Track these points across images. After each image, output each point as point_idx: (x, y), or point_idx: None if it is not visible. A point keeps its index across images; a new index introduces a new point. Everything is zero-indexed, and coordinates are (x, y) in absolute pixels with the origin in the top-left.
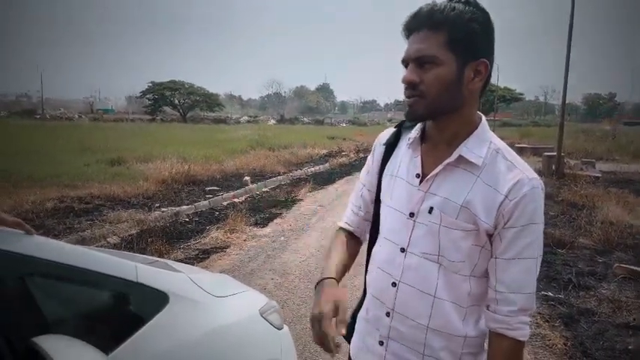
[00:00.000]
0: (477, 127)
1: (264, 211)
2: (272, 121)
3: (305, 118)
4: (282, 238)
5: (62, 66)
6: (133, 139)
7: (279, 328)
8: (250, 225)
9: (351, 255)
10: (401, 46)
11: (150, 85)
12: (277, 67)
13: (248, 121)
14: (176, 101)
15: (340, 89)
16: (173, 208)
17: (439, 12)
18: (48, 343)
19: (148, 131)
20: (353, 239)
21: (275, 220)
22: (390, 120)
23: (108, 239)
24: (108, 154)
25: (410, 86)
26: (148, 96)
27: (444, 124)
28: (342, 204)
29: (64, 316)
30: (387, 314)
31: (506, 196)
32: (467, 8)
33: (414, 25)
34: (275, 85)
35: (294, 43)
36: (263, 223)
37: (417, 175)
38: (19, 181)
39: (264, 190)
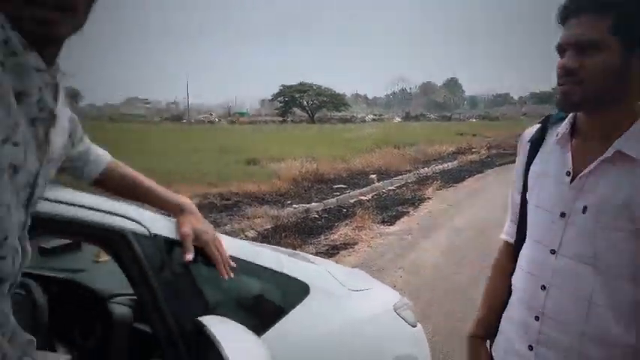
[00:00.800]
0: (637, 119)
1: (391, 208)
2: (397, 119)
3: (431, 115)
4: (410, 236)
5: (205, 74)
6: (266, 140)
7: (413, 326)
8: (377, 222)
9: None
10: (537, 34)
11: (281, 88)
12: (403, 65)
13: (373, 120)
14: (305, 103)
15: (469, 83)
16: (304, 205)
17: None
18: (210, 321)
19: (279, 132)
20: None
21: (402, 219)
22: (524, 114)
23: (246, 233)
24: (244, 155)
25: (566, 73)
26: (279, 99)
27: (602, 116)
28: (473, 203)
29: (221, 300)
30: (536, 318)
31: None
32: None
33: (575, 7)
34: (400, 83)
35: (418, 38)
36: (390, 221)
37: (568, 173)
38: (169, 179)
39: (390, 188)
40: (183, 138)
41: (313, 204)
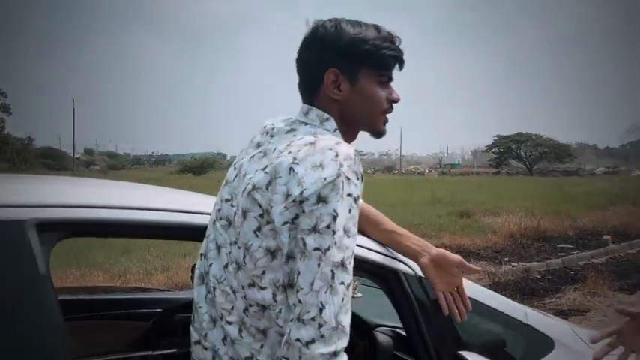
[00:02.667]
0: None
1: (630, 275)
2: (637, 172)
3: None
4: None
5: (418, 125)
6: (478, 193)
7: None
8: (614, 290)
9: None
10: None
11: (495, 138)
12: None
13: (605, 173)
14: (522, 154)
15: None
16: (523, 263)
17: None
18: (469, 356)
19: (493, 184)
20: None
21: None
22: None
23: None
24: (457, 207)
25: None
26: (493, 150)
27: None
28: None
29: (471, 341)
30: None
31: None
32: None
33: None
34: (638, 131)
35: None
36: (630, 288)
37: None
38: None
39: (629, 251)
40: (395, 188)
41: (534, 263)
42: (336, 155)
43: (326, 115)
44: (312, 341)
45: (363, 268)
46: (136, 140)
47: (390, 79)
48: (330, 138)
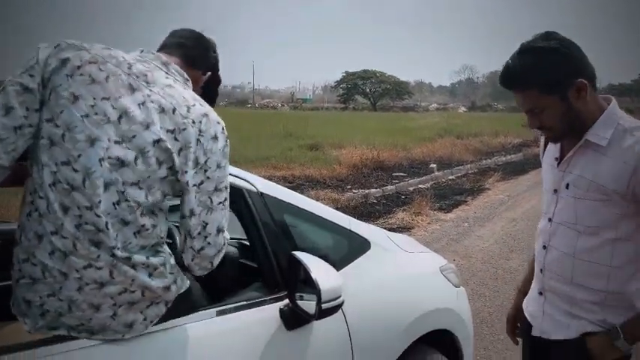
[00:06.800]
0: (600, 113)
1: (449, 197)
2: (462, 109)
3: (499, 105)
4: (466, 224)
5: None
6: (327, 127)
7: (456, 287)
8: (435, 210)
9: None
10: (616, 27)
11: (343, 74)
12: (470, 52)
13: (437, 109)
14: (367, 90)
15: None
16: (363, 190)
17: (522, 76)
18: (301, 255)
19: (341, 119)
20: None
21: (460, 207)
22: None
23: None
24: (307, 140)
25: (538, 128)
26: (342, 85)
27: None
28: (532, 196)
29: (304, 246)
30: (541, 271)
31: (636, 167)
32: (541, 57)
33: (507, 87)
34: (467, 71)
35: (486, 26)
36: (447, 208)
37: (556, 159)
38: (236, 160)
39: (450, 177)
40: (248, 122)
41: (372, 190)
42: None
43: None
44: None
45: None
46: None
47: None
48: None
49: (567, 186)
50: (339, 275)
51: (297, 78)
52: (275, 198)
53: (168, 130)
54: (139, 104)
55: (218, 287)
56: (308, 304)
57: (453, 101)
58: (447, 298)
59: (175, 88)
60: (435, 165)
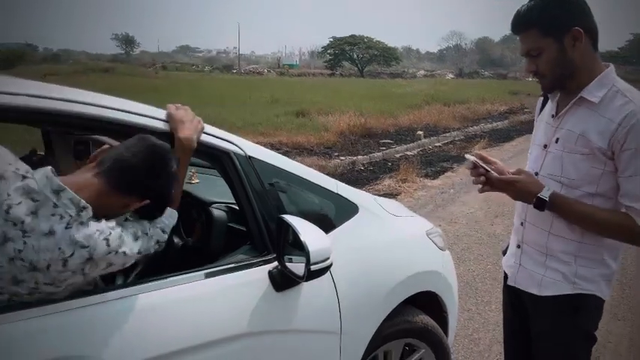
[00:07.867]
0: (599, 74)
1: (435, 164)
2: (450, 76)
3: (486, 72)
4: (452, 190)
5: (257, 24)
6: (314, 93)
7: (442, 250)
8: (421, 176)
9: None
10: None
11: (331, 40)
12: (458, 19)
13: (425, 76)
14: (355, 56)
15: None
16: (350, 157)
17: (525, 16)
18: (290, 217)
19: (328, 85)
20: None
21: (446, 174)
22: None
23: None
24: (294, 107)
25: (533, 74)
26: (329, 51)
27: (570, 80)
28: (517, 162)
29: (293, 210)
30: (522, 224)
31: (619, 124)
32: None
33: (514, 30)
34: (455, 38)
35: None
36: (434, 175)
37: (552, 116)
38: (222, 127)
39: (436, 144)
40: (233, 88)
41: (359, 157)
42: None
43: None
44: None
45: (200, 150)
46: None
47: None
48: None
49: (557, 140)
50: (327, 237)
51: (284, 43)
52: (263, 161)
53: None
54: None
55: (207, 251)
56: (297, 266)
57: (440, 68)
58: (433, 260)
59: None
60: (421, 132)
